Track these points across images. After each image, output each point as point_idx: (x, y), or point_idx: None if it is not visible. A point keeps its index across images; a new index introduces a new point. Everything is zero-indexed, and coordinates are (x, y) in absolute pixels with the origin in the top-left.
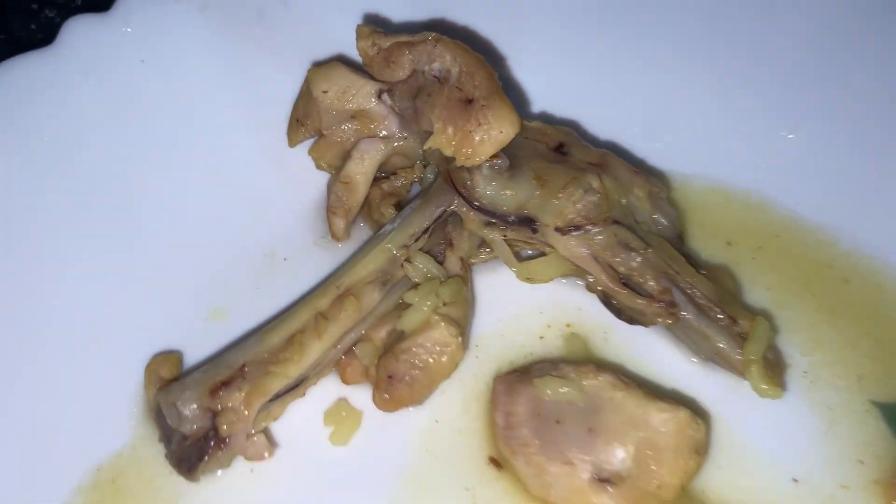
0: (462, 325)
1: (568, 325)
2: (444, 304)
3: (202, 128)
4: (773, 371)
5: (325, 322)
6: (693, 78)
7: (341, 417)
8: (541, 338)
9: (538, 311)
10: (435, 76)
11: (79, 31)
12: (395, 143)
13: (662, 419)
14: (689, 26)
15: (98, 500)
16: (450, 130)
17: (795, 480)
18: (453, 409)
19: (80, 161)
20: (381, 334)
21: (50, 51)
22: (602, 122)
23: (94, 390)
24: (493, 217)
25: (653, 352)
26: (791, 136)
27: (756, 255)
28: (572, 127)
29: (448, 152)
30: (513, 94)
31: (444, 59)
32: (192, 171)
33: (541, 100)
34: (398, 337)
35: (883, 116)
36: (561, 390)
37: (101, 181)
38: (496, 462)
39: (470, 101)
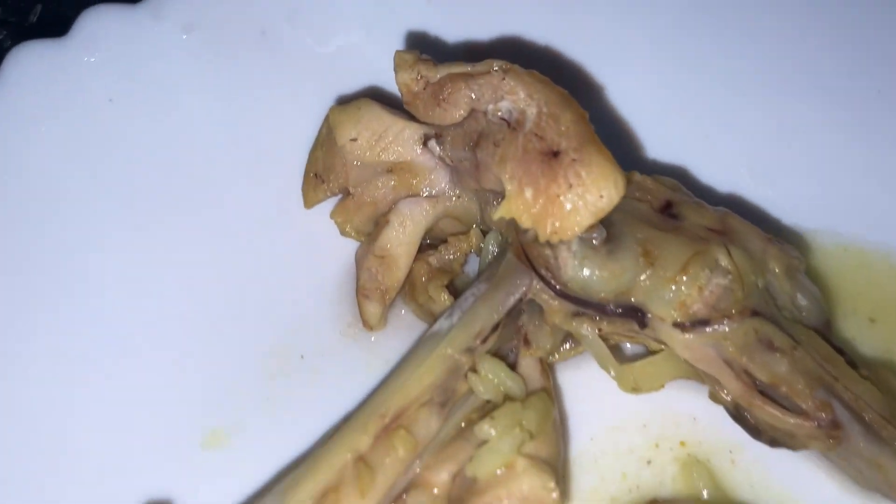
0: (555, 468)
1: (682, 444)
2: (531, 437)
3: (189, 187)
4: None
5: (369, 471)
6: (820, 106)
7: None
8: (648, 462)
9: (641, 423)
10: (503, 118)
11: (29, 61)
12: (446, 205)
13: None
14: (817, 45)
15: None
16: (528, 194)
17: None
18: None
19: (32, 239)
20: (443, 477)
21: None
22: (711, 169)
23: None
24: (587, 307)
25: (798, 478)
26: None
27: None
28: (677, 177)
29: (526, 223)
30: (606, 139)
31: (516, 96)
32: (179, 246)
33: (636, 143)
34: (470, 488)
35: None
36: None
37: (60, 262)
38: None
39: (555, 154)
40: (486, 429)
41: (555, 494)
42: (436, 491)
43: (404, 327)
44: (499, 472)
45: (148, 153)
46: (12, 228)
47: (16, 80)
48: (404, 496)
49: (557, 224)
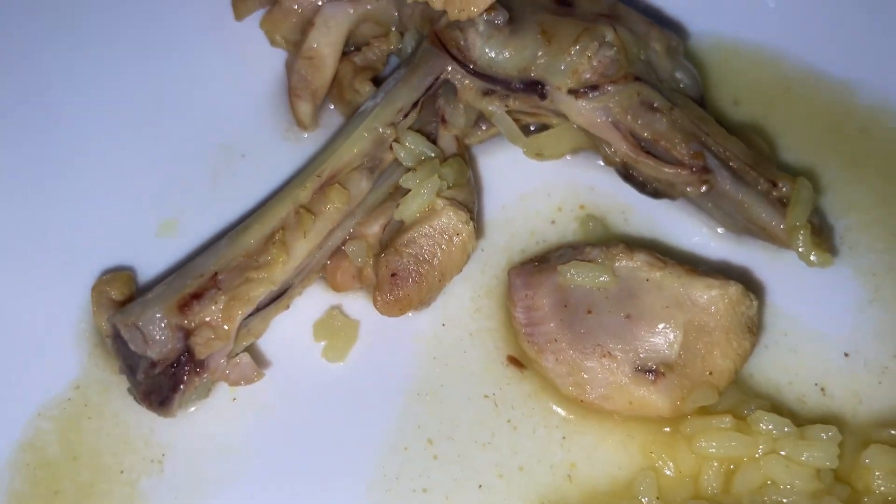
0: (471, 209)
1: (581, 207)
2: (448, 188)
3: (131, 4)
4: (821, 237)
5: (310, 216)
6: None
7: (335, 329)
8: (552, 222)
9: (545, 193)
10: None
11: None
12: (366, 7)
13: (711, 297)
14: None
15: (42, 460)
16: None
17: (846, 354)
18: (462, 309)
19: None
20: (375, 230)
21: None
22: None
23: (31, 322)
24: (495, 83)
25: (679, 228)
26: None
27: (766, 112)
28: None
29: (437, 5)
30: None
31: None
32: (123, 59)
33: None
34: (398, 229)
35: None
36: (591, 275)
37: (11, 74)
38: (517, 362)
39: None
40: (409, 179)
41: (470, 226)
42: (370, 240)
43: (332, 125)
44: (421, 213)
45: None
46: None
47: None
48: (343, 249)
49: (463, 3)
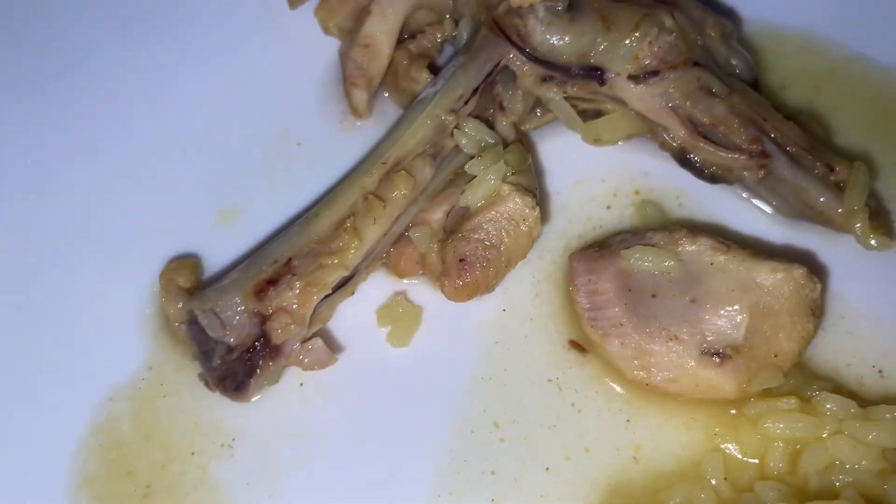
0: (535, 194)
1: (636, 192)
2: (512, 173)
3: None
4: (879, 221)
5: (379, 202)
6: None
7: (398, 315)
8: (608, 207)
9: (600, 179)
10: None
11: None
12: None
13: (776, 280)
14: None
15: (117, 440)
16: None
17: None
18: (522, 295)
19: (43, 54)
20: (438, 216)
21: None
22: None
23: (98, 309)
24: (554, 69)
25: (733, 213)
26: None
27: (813, 97)
28: None
29: None
30: None
31: None
32: (177, 50)
33: None
34: (462, 216)
35: None
36: (655, 260)
37: (69, 72)
38: (578, 346)
39: None
40: (474, 166)
41: (536, 211)
42: (433, 226)
43: (388, 115)
44: (487, 199)
45: None
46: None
47: None
48: (407, 234)
49: None
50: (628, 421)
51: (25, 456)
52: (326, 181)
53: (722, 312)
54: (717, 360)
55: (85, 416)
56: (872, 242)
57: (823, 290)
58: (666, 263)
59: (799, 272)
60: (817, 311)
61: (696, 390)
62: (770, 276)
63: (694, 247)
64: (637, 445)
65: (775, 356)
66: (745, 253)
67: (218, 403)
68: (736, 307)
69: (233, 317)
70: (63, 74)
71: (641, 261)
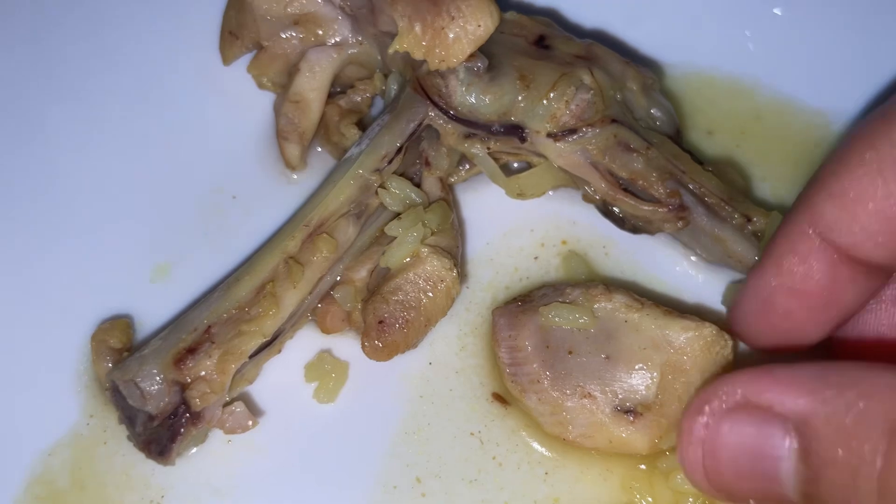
0: (454, 255)
1: (564, 242)
2: (432, 234)
3: (116, 49)
4: None
5: (299, 267)
6: None
7: (325, 371)
8: (535, 258)
9: (528, 229)
10: None
11: None
12: (350, 51)
13: (686, 339)
14: None
15: (53, 492)
16: (417, 29)
17: None
18: (448, 348)
19: None
20: (362, 274)
21: None
22: (580, 10)
23: (30, 369)
24: (476, 128)
25: (658, 261)
26: (778, 11)
27: (739, 142)
28: (550, 16)
29: (418, 55)
30: None
31: None
32: (113, 106)
33: None
34: (384, 276)
35: None
36: (571, 317)
37: (8, 125)
38: (501, 398)
39: None
40: (394, 227)
41: (454, 273)
42: (357, 285)
43: (322, 166)
44: (406, 261)
45: (77, 24)
46: None
47: None
48: (332, 293)
49: (444, 53)
50: (546, 474)
51: None
52: (262, 233)
53: (634, 370)
54: (630, 417)
55: (21, 474)
56: None
57: (735, 345)
58: (581, 320)
59: (709, 331)
60: (728, 367)
61: (610, 446)
62: (681, 335)
63: (609, 304)
64: (555, 499)
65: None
66: (659, 311)
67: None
68: (648, 365)
69: (152, 386)
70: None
71: (558, 317)
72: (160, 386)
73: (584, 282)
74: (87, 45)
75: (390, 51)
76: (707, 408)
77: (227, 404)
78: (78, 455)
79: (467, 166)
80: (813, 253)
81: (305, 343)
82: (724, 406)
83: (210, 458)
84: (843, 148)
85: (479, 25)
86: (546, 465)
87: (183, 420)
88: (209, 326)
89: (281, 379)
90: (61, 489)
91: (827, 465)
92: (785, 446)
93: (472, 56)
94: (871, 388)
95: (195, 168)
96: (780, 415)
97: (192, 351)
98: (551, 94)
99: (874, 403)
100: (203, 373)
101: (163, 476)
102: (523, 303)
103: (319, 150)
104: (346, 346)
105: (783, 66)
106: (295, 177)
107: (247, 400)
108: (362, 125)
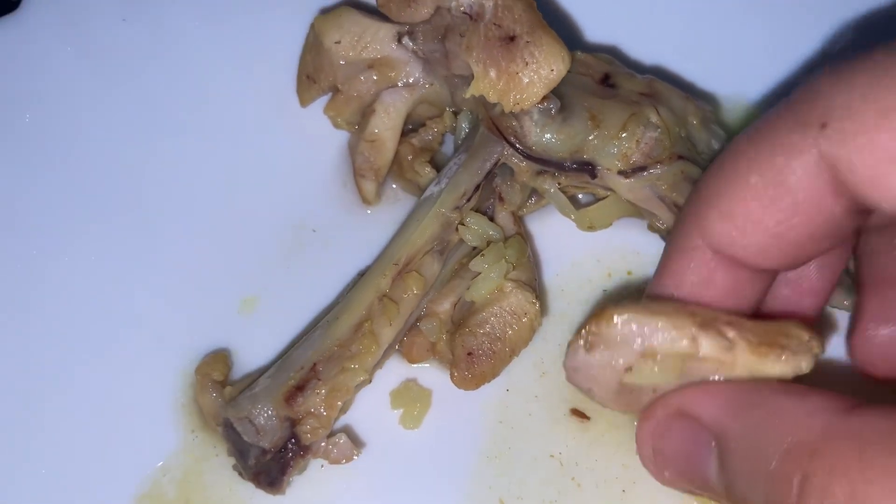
0: (534, 288)
1: (629, 273)
2: (513, 268)
3: (201, 95)
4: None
5: (393, 304)
6: None
7: (410, 399)
8: (604, 290)
9: (595, 259)
10: (465, 12)
11: None
12: (422, 92)
13: None
14: None
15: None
16: (492, 74)
17: None
18: (526, 377)
19: (67, 147)
20: (445, 307)
21: (16, 18)
22: (638, 46)
23: (128, 402)
24: (549, 165)
25: None
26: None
27: None
28: (610, 53)
29: (493, 98)
30: (551, 24)
31: None
32: (196, 146)
33: (576, 27)
34: (468, 309)
35: None
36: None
37: (92, 166)
38: (579, 413)
39: (511, 39)
40: (478, 263)
41: (536, 305)
42: (441, 317)
43: (396, 201)
44: (491, 295)
45: (162, 67)
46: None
47: (38, 8)
48: (417, 324)
49: (518, 96)
50: (623, 491)
51: None
52: (340, 265)
53: None
54: None
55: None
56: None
57: None
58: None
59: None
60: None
61: None
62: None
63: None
64: None
65: None
66: None
67: (248, 487)
68: None
69: (266, 423)
70: (82, 176)
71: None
72: (273, 422)
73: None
74: (177, 90)
75: (466, 95)
76: (655, 414)
77: (329, 435)
78: (183, 473)
79: (535, 199)
80: (707, 264)
81: (390, 372)
82: (666, 414)
83: (306, 482)
84: (730, 164)
85: (553, 70)
86: (623, 483)
87: (292, 453)
88: (315, 364)
89: (369, 407)
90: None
91: (736, 475)
92: (710, 454)
93: (545, 98)
94: (775, 408)
95: (276, 204)
96: (707, 426)
97: (300, 388)
98: (622, 135)
99: (775, 423)
100: (312, 409)
101: (263, 498)
102: None
103: (394, 186)
104: (430, 374)
105: None
106: (370, 212)
107: (352, 434)
108: (434, 162)
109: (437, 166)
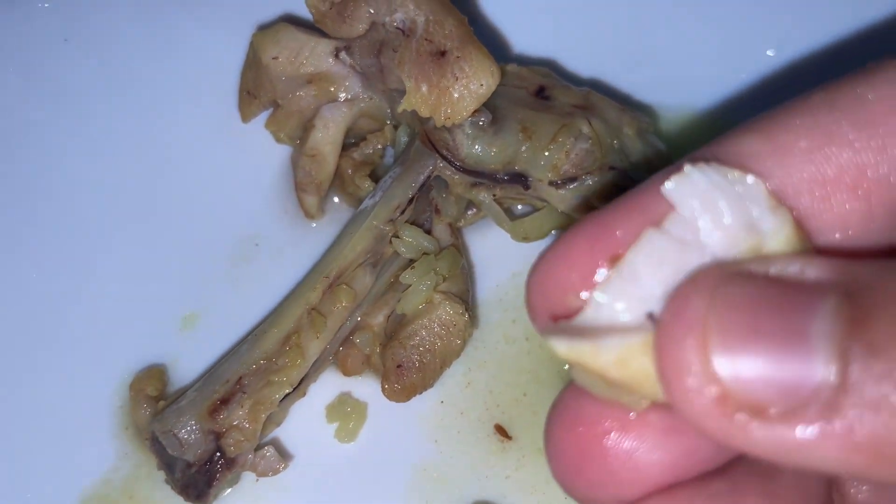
0: (465, 300)
1: None
2: (444, 279)
3: (142, 110)
4: None
5: (321, 317)
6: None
7: (346, 412)
8: None
9: None
10: (398, 28)
11: None
12: (361, 106)
13: None
14: None
15: None
16: (424, 89)
17: None
18: (456, 386)
19: (7, 162)
20: (379, 320)
21: None
22: (578, 59)
23: (65, 416)
24: (482, 177)
25: None
26: (772, 52)
27: None
28: (549, 66)
29: (425, 113)
30: (484, 38)
31: (406, 8)
32: (138, 162)
33: (512, 40)
34: (400, 322)
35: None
36: None
37: (33, 181)
38: (502, 431)
39: (442, 54)
40: (408, 276)
41: (465, 317)
42: (375, 329)
43: (338, 213)
44: (421, 307)
45: (103, 87)
46: None
47: None
48: (351, 337)
49: (449, 111)
50: None
51: None
52: (284, 279)
53: None
54: None
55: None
56: None
57: None
58: None
59: None
60: None
61: None
62: None
63: None
64: None
65: None
66: None
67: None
68: None
69: (189, 436)
70: (23, 190)
71: None
72: (197, 436)
73: None
74: (114, 103)
75: (399, 109)
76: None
77: (257, 448)
78: (114, 493)
79: (474, 210)
80: None
81: (326, 385)
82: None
83: (240, 497)
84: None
85: (482, 84)
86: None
87: (219, 466)
88: (240, 378)
89: (304, 420)
90: None
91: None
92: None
93: (476, 111)
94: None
95: (220, 219)
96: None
97: (225, 402)
98: (552, 146)
99: None
100: (236, 422)
101: None
102: None
103: (336, 199)
104: (365, 386)
105: (775, 104)
106: (314, 225)
107: (279, 446)
108: (375, 175)
109: (378, 180)
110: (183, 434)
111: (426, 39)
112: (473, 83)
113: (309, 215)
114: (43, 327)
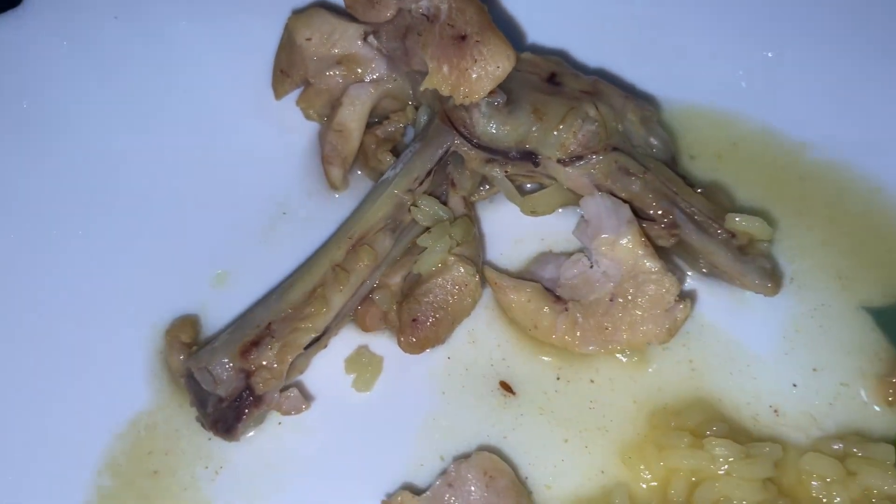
0: (476, 263)
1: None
2: (458, 244)
3: (185, 86)
4: (772, 277)
5: (344, 273)
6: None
7: (363, 364)
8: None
9: (539, 238)
10: (423, 14)
11: None
12: (385, 86)
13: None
14: None
15: (134, 444)
16: (445, 69)
17: (795, 385)
18: (463, 343)
19: (63, 131)
20: (397, 280)
21: (16, 13)
22: (589, 50)
23: (105, 360)
24: (495, 154)
25: None
26: (770, 54)
27: (717, 166)
28: (561, 56)
29: (445, 92)
30: (502, 27)
31: None
32: (179, 133)
33: (528, 30)
34: (416, 281)
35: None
36: None
37: (85, 149)
38: (506, 386)
39: (463, 38)
40: (425, 239)
41: (476, 278)
42: (393, 289)
43: (361, 188)
44: (435, 267)
45: (149, 61)
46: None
47: (38, 5)
48: (371, 296)
49: (467, 90)
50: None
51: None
52: (308, 245)
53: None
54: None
55: (100, 444)
56: (762, 286)
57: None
58: None
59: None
60: (673, 328)
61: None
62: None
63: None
64: (547, 485)
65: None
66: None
67: (211, 438)
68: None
69: (222, 373)
70: (76, 157)
71: None
72: (229, 373)
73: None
74: (165, 84)
75: (421, 88)
76: None
77: (282, 390)
78: (146, 430)
79: (487, 186)
80: None
81: (346, 340)
82: None
83: (264, 437)
84: None
85: (499, 67)
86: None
87: (248, 402)
88: (270, 323)
89: (324, 371)
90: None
91: None
92: None
93: (492, 92)
94: None
95: (251, 188)
96: None
97: (255, 344)
98: (561, 126)
99: None
100: (265, 362)
101: (222, 451)
102: None
103: (359, 172)
104: (382, 343)
105: (771, 101)
106: (337, 196)
107: (302, 389)
108: (396, 151)
109: (399, 155)
110: (217, 370)
111: (448, 24)
112: (491, 65)
113: (333, 186)
114: (91, 279)
